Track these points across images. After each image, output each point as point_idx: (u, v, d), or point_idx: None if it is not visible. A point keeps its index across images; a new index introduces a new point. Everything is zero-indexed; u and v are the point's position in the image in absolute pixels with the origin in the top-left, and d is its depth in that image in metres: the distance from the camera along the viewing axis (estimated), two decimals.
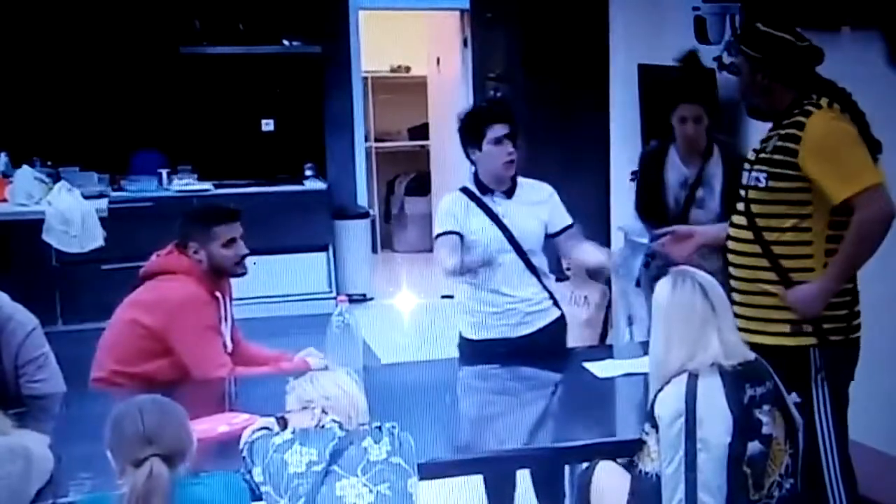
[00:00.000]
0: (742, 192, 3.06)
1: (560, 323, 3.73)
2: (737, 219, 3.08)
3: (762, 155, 3.00)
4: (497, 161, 3.59)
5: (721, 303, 2.60)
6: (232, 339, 3.55)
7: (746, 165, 3.08)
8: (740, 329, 2.98)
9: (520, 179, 3.69)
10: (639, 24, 5.43)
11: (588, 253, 3.70)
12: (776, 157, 2.94)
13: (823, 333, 2.93)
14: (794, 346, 2.94)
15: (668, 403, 2.50)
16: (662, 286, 2.63)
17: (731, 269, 3.09)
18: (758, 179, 2.98)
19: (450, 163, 7.12)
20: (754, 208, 3.00)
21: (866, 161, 2.88)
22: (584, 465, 3.03)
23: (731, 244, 3.10)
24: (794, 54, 2.99)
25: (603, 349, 4.41)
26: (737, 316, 3.01)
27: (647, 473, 2.53)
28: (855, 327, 3.01)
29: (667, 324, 2.59)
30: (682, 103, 4.15)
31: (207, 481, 2.28)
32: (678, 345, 2.55)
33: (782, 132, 2.95)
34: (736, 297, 3.05)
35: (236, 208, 3.61)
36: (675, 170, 4.22)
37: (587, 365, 3.42)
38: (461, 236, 3.61)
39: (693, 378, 2.51)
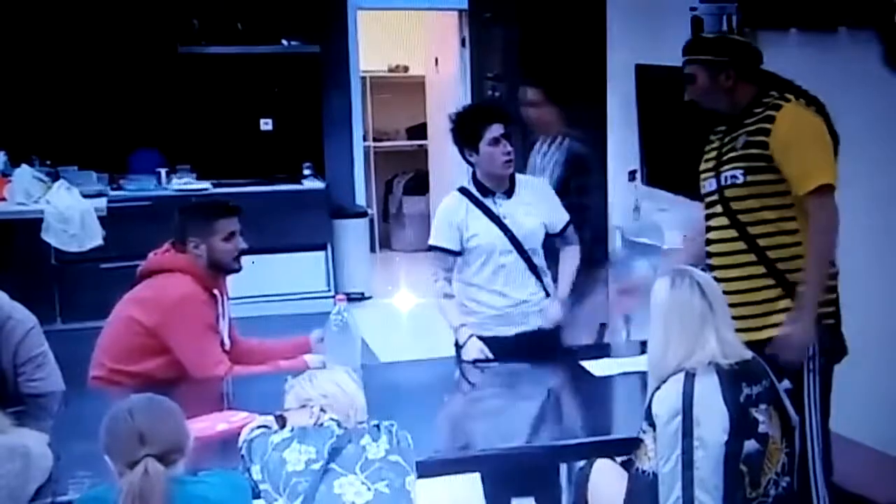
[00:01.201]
0: (716, 196, 3.08)
1: (554, 328, 3.73)
2: (717, 221, 3.09)
3: (733, 154, 3.03)
4: (496, 161, 3.59)
5: (719, 302, 2.61)
6: (229, 336, 3.56)
7: (709, 173, 3.11)
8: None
9: (518, 177, 3.70)
10: (636, 24, 5.44)
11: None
12: (750, 151, 2.98)
13: (817, 318, 2.95)
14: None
15: (666, 402, 2.51)
16: (661, 284, 2.63)
17: (717, 273, 3.07)
18: (734, 177, 3.01)
19: (448, 162, 7.12)
20: (734, 206, 3.02)
21: (831, 158, 2.94)
22: (581, 462, 3.04)
23: (714, 248, 3.11)
24: (753, 53, 3.10)
25: (600, 348, 4.40)
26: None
27: (644, 472, 2.54)
28: (839, 306, 3.04)
29: (665, 322, 2.60)
30: (520, 86, 4.29)
31: (210, 479, 2.28)
32: (676, 343, 2.56)
33: (752, 128, 2.99)
34: (727, 298, 3.05)
35: (236, 203, 3.62)
36: (536, 157, 4.36)
37: (584, 363, 3.43)
38: (454, 253, 3.62)
39: (690, 377, 2.52)
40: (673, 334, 2.58)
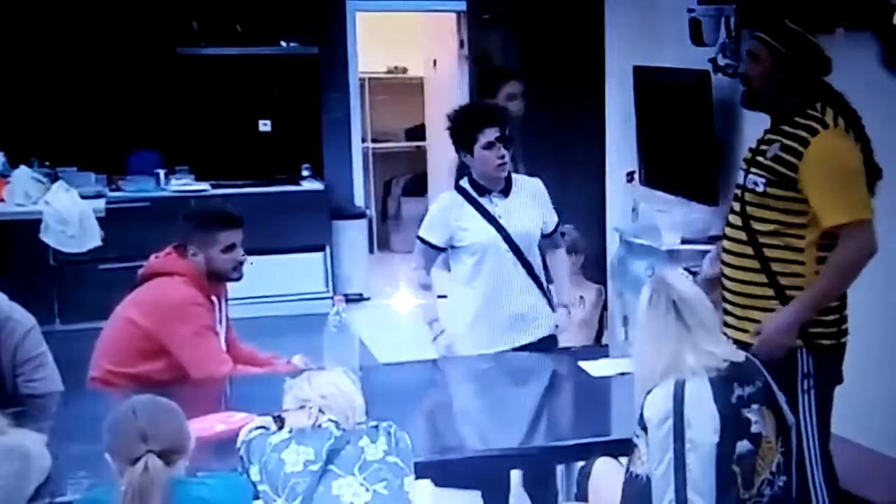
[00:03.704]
0: (738, 192, 3.07)
1: (552, 338, 3.75)
2: (732, 218, 3.09)
3: (761, 159, 3.00)
4: (490, 165, 3.59)
5: (698, 319, 2.56)
6: (226, 341, 3.56)
7: (743, 165, 3.09)
8: (731, 326, 3.01)
9: (514, 176, 3.70)
10: (634, 26, 5.45)
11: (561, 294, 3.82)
12: (776, 166, 2.94)
13: (811, 337, 2.95)
14: None
15: (657, 405, 2.51)
16: (642, 295, 2.63)
17: (724, 268, 3.10)
18: (755, 183, 2.98)
19: (446, 164, 7.12)
20: (749, 210, 3.01)
21: (862, 192, 2.89)
22: (582, 462, 3.04)
23: (725, 243, 3.12)
24: (818, 60, 3.00)
25: (598, 349, 4.42)
26: (727, 313, 3.05)
27: (637, 476, 2.53)
28: (843, 332, 3.02)
29: (643, 338, 2.60)
30: (510, 80, 4.26)
31: (210, 481, 2.29)
32: (653, 360, 2.55)
33: (784, 141, 2.95)
34: (727, 295, 3.08)
35: (239, 214, 3.60)
36: None
37: (582, 364, 3.44)
38: (438, 249, 3.65)
39: (680, 380, 2.52)
40: (650, 351, 2.57)
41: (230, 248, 3.50)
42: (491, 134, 3.57)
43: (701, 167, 4.77)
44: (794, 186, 2.91)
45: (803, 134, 2.92)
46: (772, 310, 2.97)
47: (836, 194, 2.86)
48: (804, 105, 2.96)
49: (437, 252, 3.68)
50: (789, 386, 2.84)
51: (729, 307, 3.06)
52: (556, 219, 3.78)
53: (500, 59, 6.81)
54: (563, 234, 4.01)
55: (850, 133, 2.94)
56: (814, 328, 2.95)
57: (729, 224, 3.11)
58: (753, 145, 3.09)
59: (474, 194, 3.65)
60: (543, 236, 3.73)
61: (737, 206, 3.07)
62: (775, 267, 2.97)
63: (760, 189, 2.97)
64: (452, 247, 3.66)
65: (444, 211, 3.67)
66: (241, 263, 3.53)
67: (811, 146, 2.89)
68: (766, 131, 3.07)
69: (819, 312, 2.95)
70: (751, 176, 3.01)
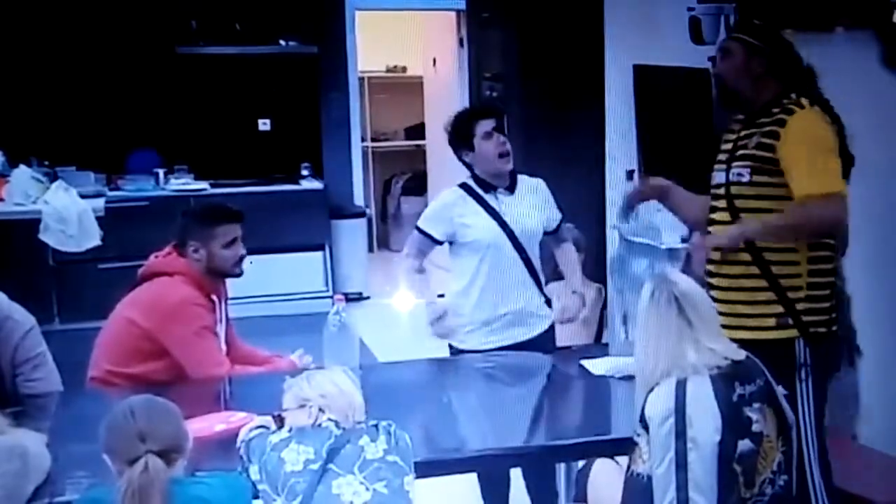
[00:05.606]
0: (722, 190, 3.07)
1: (550, 333, 3.75)
2: (719, 216, 3.07)
3: (744, 151, 3.01)
4: (491, 154, 3.60)
5: (699, 315, 2.56)
6: (226, 341, 3.56)
7: (720, 166, 3.10)
8: (721, 325, 2.98)
9: (518, 175, 3.70)
10: (634, 25, 5.44)
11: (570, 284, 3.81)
12: (759, 153, 2.96)
13: (807, 326, 2.95)
14: (777, 339, 2.95)
15: (658, 404, 2.50)
16: (643, 292, 2.63)
17: (711, 266, 3.06)
18: (740, 175, 3.00)
19: (446, 162, 7.12)
20: (738, 203, 3.01)
21: (834, 165, 2.90)
22: (581, 462, 3.04)
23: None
24: (791, 54, 3.04)
25: (598, 347, 4.40)
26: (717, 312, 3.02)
27: (638, 475, 2.53)
28: (834, 320, 3.03)
29: (644, 335, 2.60)
30: None
31: (209, 480, 2.29)
32: (655, 356, 2.55)
33: (765, 129, 2.97)
34: (716, 293, 3.04)
35: (239, 209, 3.61)
36: None
37: (584, 362, 3.43)
38: (435, 241, 3.65)
39: (682, 378, 2.52)
40: (651, 348, 2.57)
41: (231, 242, 3.49)
42: (487, 125, 3.59)
43: (701, 166, 4.76)
44: (778, 169, 2.93)
45: (782, 117, 2.96)
46: (765, 302, 2.96)
47: (809, 165, 2.88)
48: (780, 97, 3.00)
49: (432, 244, 3.69)
50: (787, 377, 2.85)
51: (720, 306, 3.02)
52: (559, 215, 3.78)
53: (499, 59, 6.81)
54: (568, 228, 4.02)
55: (826, 116, 2.97)
56: (808, 316, 2.95)
57: (716, 222, 3.09)
58: (727, 146, 3.09)
59: (479, 190, 3.65)
60: (547, 233, 3.73)
61: (723, 203, 3.06)
62: (768, 256, 2.96)
63: (746, 179, 2.99)
64: (453, 243, 3.66)
65: (447, 207, 3.67)
66: (242, 259, 3.53)
67: (788, 124, 2.94)
68: (741, 128, 3.07)
69: (813, 300, 2.96)
70: (733, 170, 3.03)
